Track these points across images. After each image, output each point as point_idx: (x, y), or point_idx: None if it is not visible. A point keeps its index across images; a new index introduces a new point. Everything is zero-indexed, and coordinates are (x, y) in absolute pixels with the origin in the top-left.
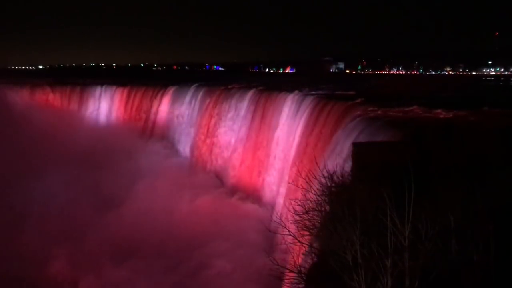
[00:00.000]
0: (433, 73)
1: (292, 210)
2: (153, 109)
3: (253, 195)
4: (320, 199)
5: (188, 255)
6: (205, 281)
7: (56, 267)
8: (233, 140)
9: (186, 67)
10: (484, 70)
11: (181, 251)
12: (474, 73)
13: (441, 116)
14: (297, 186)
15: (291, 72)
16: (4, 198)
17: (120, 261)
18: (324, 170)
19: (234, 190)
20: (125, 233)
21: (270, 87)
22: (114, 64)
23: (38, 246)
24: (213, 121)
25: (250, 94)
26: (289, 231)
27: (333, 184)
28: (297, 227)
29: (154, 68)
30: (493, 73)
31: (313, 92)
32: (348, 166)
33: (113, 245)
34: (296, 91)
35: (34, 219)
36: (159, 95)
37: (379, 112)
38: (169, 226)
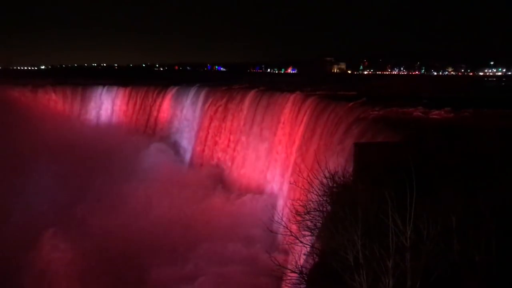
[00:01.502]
0: (435, 73)
1: (294, 211)
2: (155, 109)
3: (254, 195)
4: (321, 199)
5: (183, 256)
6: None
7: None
8: (234, 140)
9: (188, 68)
10: (486, 71)
11: (176, 250)
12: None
13: (442, 116)
14: (298, 186)
15: (292, 73)
16: None
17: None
18: (326, 171)
19: (235, 190)
20: (116, 232)
21: (272, 87)
22: (116, 64)
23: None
24: (214, 121)
25: (251, 94)
26: (290, 231)
27: (335, 185)
28: (299, 227)
29: (155, 69)
30: (499, 74)
31: (315, 93)
32: (349, 167)
33: (101, 241)
34: (298, 92)
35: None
36: (161, 95)
37: (380, 112)
38: (167, 224)
